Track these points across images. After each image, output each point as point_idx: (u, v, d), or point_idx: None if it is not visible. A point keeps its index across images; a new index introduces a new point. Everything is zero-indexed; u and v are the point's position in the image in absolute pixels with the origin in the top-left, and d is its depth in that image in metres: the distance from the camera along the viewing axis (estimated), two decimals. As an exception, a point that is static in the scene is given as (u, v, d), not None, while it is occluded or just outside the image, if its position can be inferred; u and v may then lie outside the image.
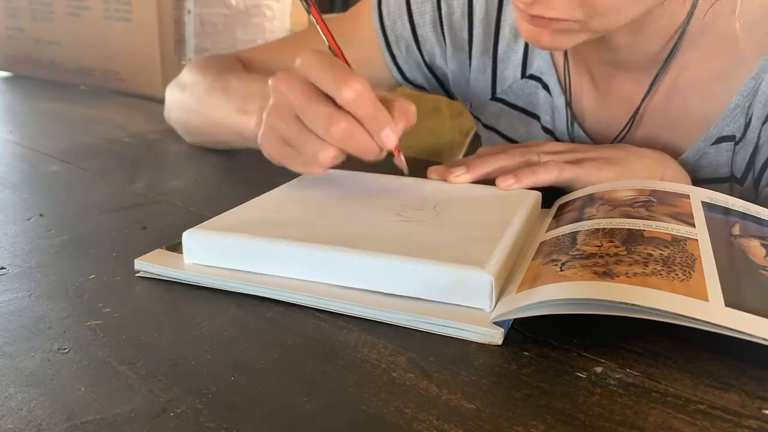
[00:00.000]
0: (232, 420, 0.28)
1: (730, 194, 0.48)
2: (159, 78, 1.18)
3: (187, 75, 0.74)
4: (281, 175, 0.55)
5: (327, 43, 0.51)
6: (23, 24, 1.33)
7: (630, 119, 0.62)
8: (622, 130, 0.63)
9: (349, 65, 0.49)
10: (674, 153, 0.60)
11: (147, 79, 1.19)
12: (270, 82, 0.49)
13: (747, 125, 0.58)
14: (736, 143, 0.59)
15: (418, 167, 0.53)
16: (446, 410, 0.29)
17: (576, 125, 0.66)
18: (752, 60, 0.57)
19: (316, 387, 0.30)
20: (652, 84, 0.60)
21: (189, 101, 0.72)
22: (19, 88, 1.23)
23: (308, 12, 0.51)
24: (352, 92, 0.45)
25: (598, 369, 0.32)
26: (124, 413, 0.28)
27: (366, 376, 0.31)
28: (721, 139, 0.59)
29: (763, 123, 0.57)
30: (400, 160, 0.52)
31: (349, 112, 0.46)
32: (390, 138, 0.47)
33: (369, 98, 0.46)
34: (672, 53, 0.57)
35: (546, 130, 0.69)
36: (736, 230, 0.40)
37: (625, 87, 0.63)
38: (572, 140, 0.67)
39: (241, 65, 0.75)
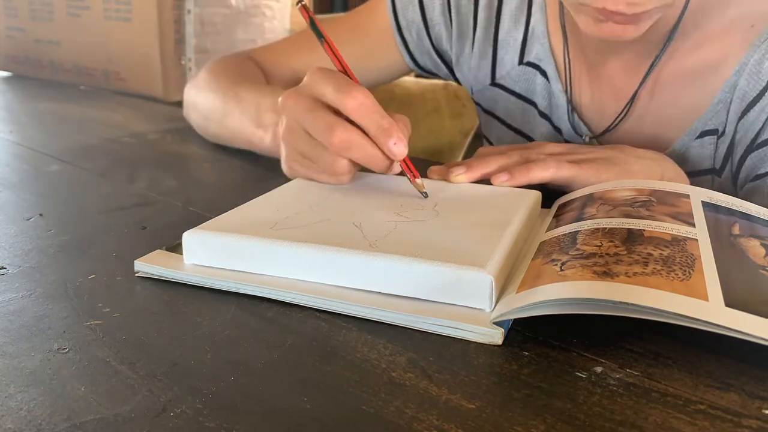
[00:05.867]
0: (232, 420, 0.28)
1: (712, 186, 0.48)
2: (159, 78, 1.18)
3: (203, 77, 0.75)
4: (281, 176, 0.55)
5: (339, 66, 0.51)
6: (23, 24, 1.33)
7: (626, 106, 0.63)
8: (617, 117, 0.63)
9: (355, 80, 0.49)
10: (662, 144, 0.61)
11: (147, 79, 1.19)
12: (279, 100, 0.50)
13: (727, 119, 0.58)
14: (719, 137, 0.59)
15: (418, 167, 0.53)
16: (446, 410, 0.29)
17: (574, 112, 0.67)
18: (737, 54, 0.57)
19: (316, 387, 0.30)
20: (647, 73, 0.61)
21: (205, 107, 0.74)
22: (19, 88, 1.23)
23: (319, 38, 0.50)
24: (354, 101, 0.46)
25: (598, 369, 0.32)
26: (124, 413, 0.28)
27: (366, 376, 0.31)
28: (704, 133, 0.60)
29: (740, 118, 0.57)
30: (416, 182, 0.49)
31: (354, 124, 0.47)
32: (399, 147, 0.47)
33: (373, 107, 0.46)
34: (670, 39, 0.58)
35: (542, 115, 0.70)
36: (736, 230, 0.40)
37: (617, 75, 0.64)
38: (572, 126, 0.67)
39: (257, 68, 0.77)
